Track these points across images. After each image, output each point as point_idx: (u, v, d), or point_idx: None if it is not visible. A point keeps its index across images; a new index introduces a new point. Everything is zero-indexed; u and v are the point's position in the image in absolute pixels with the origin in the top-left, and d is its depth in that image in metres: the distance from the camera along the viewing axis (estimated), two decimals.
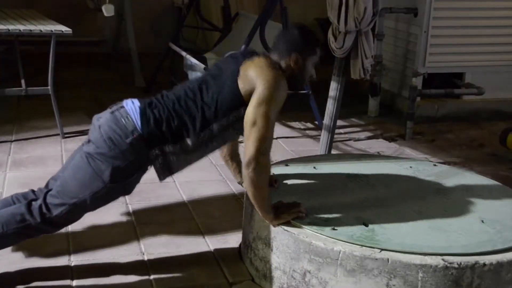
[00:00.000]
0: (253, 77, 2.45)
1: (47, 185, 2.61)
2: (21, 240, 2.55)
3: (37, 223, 2.44)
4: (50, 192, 2.49)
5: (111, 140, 2.41)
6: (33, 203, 2.47)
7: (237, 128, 2.53)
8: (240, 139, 2.68)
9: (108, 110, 2.53)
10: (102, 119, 2.49)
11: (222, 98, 2.48)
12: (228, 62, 2.61)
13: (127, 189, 2.57)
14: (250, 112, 2.41)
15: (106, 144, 2.41)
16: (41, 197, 2.48)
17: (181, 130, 2.47)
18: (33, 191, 2.61)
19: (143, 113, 2.44)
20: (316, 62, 2.69)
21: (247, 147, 2.40)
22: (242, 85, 2.46)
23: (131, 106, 2.48)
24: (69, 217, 2.52)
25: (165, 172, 2.53)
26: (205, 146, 2.53)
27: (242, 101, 2.46)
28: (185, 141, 2.48)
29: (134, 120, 2.43)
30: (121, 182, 2.47)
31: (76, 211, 2.50)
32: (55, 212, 2.45)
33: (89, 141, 2.49)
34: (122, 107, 2.49)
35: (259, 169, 2.38)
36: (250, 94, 2.44)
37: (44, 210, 2.44)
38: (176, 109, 2.47)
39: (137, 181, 2.56)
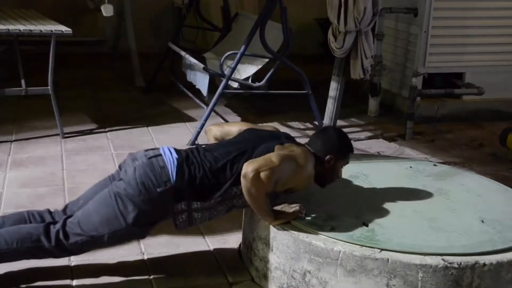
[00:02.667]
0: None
1: (65, 209, 2.64)
2: (27, 258, 2.54)
3: (50, 247, 2.45)
4: (70, 219, 2.50)
5: (144, 186, 2.44)
6: (51, 227, 2.48)
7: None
8: None
9: (145, 153, 2.56)
10: (138, 162, 2.51)
11: None
12: (271, 136, 2.68)
13: (144, 235, 2.61)
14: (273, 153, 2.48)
15: (137, 188, 2.44)
16: (61, 223, 2.48)
17: (211, 190, 2.51)
18: (50, 212, 2.62)
19: (179, 166, 2.48)
20: (345, 165, 2.77)
21: (250, 161, 2.43)
22: None
23: (169, 157, 2.52)
24: (83, 248, 2.54)
25: (185, 226, 2.59)
26: (228, 203, 2.57)
27: None
28: (212, 199, 2.52)
29: (170, 171, 2.47)
30: (142, 227, 2.51)
31: (91, 244, 2.52)
32: (72, 240, 2.46)
33: (120, 179, 2.51)
34: (160, 155, 2.53)
35: (254, 182, 2.39)
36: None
37: (61, 236, 2.45)
38: (212, 171, 2.51)
39: (153, 228, 2.60)
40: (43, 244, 2.44)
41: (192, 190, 2.49)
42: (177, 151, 2.58)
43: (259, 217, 2.60)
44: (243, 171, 2.40)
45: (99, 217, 2.46)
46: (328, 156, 2.65)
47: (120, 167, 2.62)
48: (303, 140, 4.69)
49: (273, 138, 2.66)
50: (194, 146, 2.70)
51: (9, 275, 2.59)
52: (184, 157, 2.53)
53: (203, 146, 2.71)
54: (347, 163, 2.77)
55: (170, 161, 2.50)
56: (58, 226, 2.47)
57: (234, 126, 2.85)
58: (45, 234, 2.45)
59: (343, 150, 2.72)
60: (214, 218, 2.63)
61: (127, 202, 2.44)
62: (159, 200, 2.45)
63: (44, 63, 4.41)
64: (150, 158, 2.51)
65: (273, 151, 2.54)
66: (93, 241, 2.49)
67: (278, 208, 2.56)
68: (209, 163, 2.53)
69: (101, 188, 2.59)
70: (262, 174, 2.38)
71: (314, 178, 2.64)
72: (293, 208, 2.55)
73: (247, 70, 4.77)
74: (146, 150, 2.59)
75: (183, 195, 2.49)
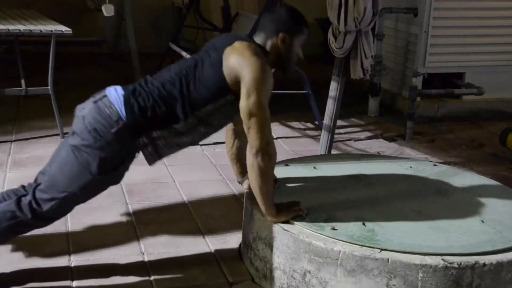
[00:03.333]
0: (236, 65, 2.42)
1: (36, 180, 2.57)
2: (13, 236, 2.52)
3: (28, 219, 2.42)
4: (39, 187, 2.46)
5: (96, 131, 2.37)
6: (23, 199, 2.44)
7: (225, 113, 2.52)
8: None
9: (91, 100, 2.48)
10: (85, 110, 2.45)
11: (207, 85, 2.45)
12: (211, 48, 2.57)
13: (116, 179, 2.54)
14: (244, 105, 2.40)
15: (91, 135, 2.37)
16: (31, 193, 2.44)
17: (167, 117, 2.44)
18: (23, 186, 2.57)
19: (127, 101, 2.41)
20: (303, 42, 2.63)
21: (252, 139, 2.40)
22: (226, 73, 2.43)
23: (115, 95, 2.44)
24: (60, 210, 2.49)
25: (154, 157, 2.52)
26: (193, 131, 2.51)
27: (227, 88, 2.44)
28: (172, 127, 2.46)
29: (118, 109, 2.39)
30: (109, 172, 2.44)
31: (66, 204, 2.48)
32: (46, 207, 2.42)
33: (73, 132, 2.45)
34: (105, 96, 2.45)
35: (268, 157, 2.39)
36: (235, 81, 2.42)
37: (34, 205, 2.42)
38: (161, 96, 2.44)
39: (125, 169, 2.53)
40: (20, 219, 2.41)
41: (147, 121, 2.41)
42: (123, 87, 2.49)
43: (259, 216, 2.60)
44: (252, 153, 2.38)
45: (64, 176, 2.41)
46: (280, 34, 2.53)
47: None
48: (303, 140, 4.73)
49: (216, 48, 2.53)
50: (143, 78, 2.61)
51: (8, 275, 2.59)
52: (131, 91, 2.45)
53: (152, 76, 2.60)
54: (305, 38, 2.63)
55: (116, 98, 2.42)
56: (28, 197, 2.43)
57: None
58: (18, 208, 2.41)
59: (296, 25, 2.57)
60: (184, 146, 2.56)
61: (85, 153, 2.37)
62: (116, 141, 2.38)
63: (44, 63, 4.41)
64: (96, 102, 2.44)
65: (221, 64, 2.42)
66: (66, 201, 2.44)
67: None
68: (157, 89, 2.45)
69: (59, 149, 2.53)
70: (269, 148, 2.38)
71: (273, 65, 2.52)
72: (293, 209, 2.55)
73: None
74: (92, 96, 2.51)
75: (140, 128, 2.41)
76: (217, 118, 2.54)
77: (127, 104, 2.40)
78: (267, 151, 2.39)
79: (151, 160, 2.52)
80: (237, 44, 2.48)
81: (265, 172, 2.41)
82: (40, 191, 2.45)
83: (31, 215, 2.42)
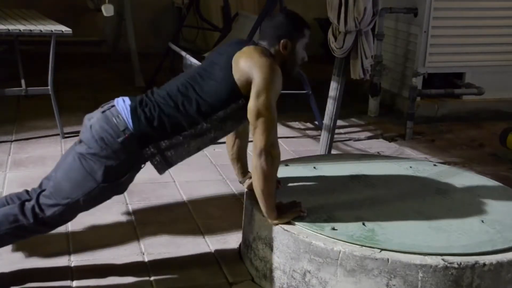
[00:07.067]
0: (246, 67, 2.42)
1: (40, 185, 2.59)
2: (14, 241, 2.53)
3: (30, 224, 2.43)
4: (43, 193, 2.47)
5: (103, 140, 2.39)
6: (26, 203, 2.45)
7: (237, 118, 2.52)
8: (250, 139, 2.67)
9: (99, 109, 2.50)
10: (93, 119, 2.46)
11: (218, 91, 2.46)
12: (220, 54, 2.58)
13: (120, 189, 2.54)
14: (252, 105, 2.39)
15: (97, 144, 2.39)
16: (35, 198, 2.46)
17: (175, 126, 2.45)
18: (27, 191, 2.59)
19: (133, 111, 2.42)
20: (306, 44, 2.63)
21: (257, 139, 2.39)
22: (237, 77, 2.44)
23: (122, 105, 2.46)
24: (63, 217, 2.50)
25: (164, 166, 2.53)
26: (203, 137, 2.51)
27: (239, 93, 2.45)
28: (181, 135, 2.46)
29: (125, 119, 2.41)
30: (114, 181, 2.45)
31: (69, 211, 2.48)
32: (48, 212, 2.43)
33: (80, 141, 2.47)
34: (113, 106, 2.47)
35: (271, 159, 2.39)
36: (246, 84, 2.42)
37: (37, 210, 2.43)
38: (169, 106, 2.45)
39: (130, 180, 2.53)
40: (22, 223, 2.41)
41: (153, 131, 2.42)
42: (131, 98, 2.50)
43: (259, 217, 2.60)
44: (257, 150, 2.37)
45: (69, 183, 2.42)
46: (282, 41, 2.54)
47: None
48: (303, 140, 4.73)
49: (223, 54, 2.54)
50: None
51: (8, 275, 2.59)
52: (138, 101, 2.47)
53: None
54: (307, 41, 2.63)
55: (124, 108, 2.43)
56: (32, 201, 2.44)
57: None
58: (21, 212, 2.42)
59: (297, 29, 2.58)
60: (193, 154, 2.58)
61: (91, 161, 2.38)
62: (123, 151, 2.39)
63: (44, 63, 4.41)
64: (104, 111, 2.45)
65: (231, 68, 2.43)
66: (69, 208, 2.44)
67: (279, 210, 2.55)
68: (163, 99, 2.46)
69: (66, 156, 2.54)
70: (272, 148, 2.37)
71: (281, 71, 2.50)
72: (294, 210, 2.55)
73: None
74: (101, 106, 2.52)
75: (147, 138, 2.42)
76: (228, 124, 2.55)
77: (134, 114, 2.42)
78: (270, 153, 2.39)
79: (160, 169, 2.53)
80: (245, 49, 2.50)
81: (268, 173, 2.41)
82: (44, 196, 2.46)
83: (33, 220, 2.42)
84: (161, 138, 2.45)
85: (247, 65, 2.43)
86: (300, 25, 2.60)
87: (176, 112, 2.44)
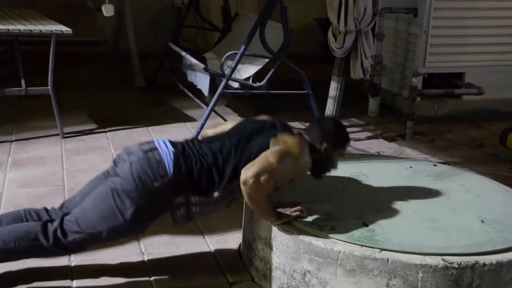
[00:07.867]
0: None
1: (61, 207, 2.62)
2: (27, 257, 2.53)
3: (49, 246, 2.43)
4: (67, 217, 2.48)
5: (141, 180, 2.42)
6: (49, 225, 2.46)
7: None
8: None
9: (140, 147, 2.53)
10: (134, 157, 2.49)
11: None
12: (265, 127, 2.65)
13: (142, 229, 2.59)
14: (247, 167, 2.42)
15: (135, 183, 2.42)
16: (58, 221, 2.47)
17: (209, 184, 2.51)
18: (46, 210, 2.60)
19: (177, 160, 2.47)
20: (341, 157, 2.74)
21: (247, 166, 2.42)
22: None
23: (165, 150, 2.49)
24: (82, 245, 2.52)
25: (184, 220, 2.58)
26: (225, 199, 2.58)
27: None
28: (211, 194, 2.53)
29: (166, 164, 2.45)
30: (141, 222, 2.50)
31: (90, 241, 2.50)
32: (70, 238, 2.44)
33: (117, 175, 2.49)
34: (156, 149, 2.50)
35: (255, 187, 2.39)
36: None
37: (59, 234, 2.44)
38: (209, 164, 2.50)
39: (154, 222, 2.58)
40: (41, 243, 2.43)
41: (190, 183, 2.48)
42: (172, 143, 2.55)
43: (259, 217, 2.60)
44: (242, 178, 2.39)
45: (97, 214, 2.44)
46: (324, 144, 2.63)
47: (115, 162, 2.60)
48: None
49: (267, 128, 2.64)
50: (190, 138, 2.68)
51: (8, 275, 2.59)
52: (181, 150, 2.52)
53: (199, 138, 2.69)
54: (344, 154, 2.74)
55: (167, 154, 2.48)
56: (55, 224, 2.45)
57: (228, 124, 2.82)
58: (43, 232, 2.43)
59: (339, 139, 2.70)
60: (215, 213, 2.63)
61: (124, 198, 2.42)
62: (157, 195, 2.44)
63: (44, 63, 4.41)
64: (146, 152, 2.49)
65: (268, 145, 2.51)
66: (91, 238, 2.47)
67: (280, 210, 2.55)
68: (206, 156, 2.52)
69: (96, 185, 2.56)
70: (262, 178, 2.37)
71: (312, 167, 2.62)
72: (294, 210, 2.55)
73: (247, 70, 4.78)
74: (141, 144, 2.56)
75: (181, 188, 2.47)
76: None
77: (176, 163, 2.46)
78: (254, 181, 2.37)
79: (178, 222, 2.58)
80: (288, 136, 2.58)
81: (252, 199, 2.44)
82: (68, 221, 2.47)
83: (53, 242, 2.43)
84: (193, 191, 2.50)
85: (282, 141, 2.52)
86: (345, 138, 2.73)
87: (215, 173, 2.51)
